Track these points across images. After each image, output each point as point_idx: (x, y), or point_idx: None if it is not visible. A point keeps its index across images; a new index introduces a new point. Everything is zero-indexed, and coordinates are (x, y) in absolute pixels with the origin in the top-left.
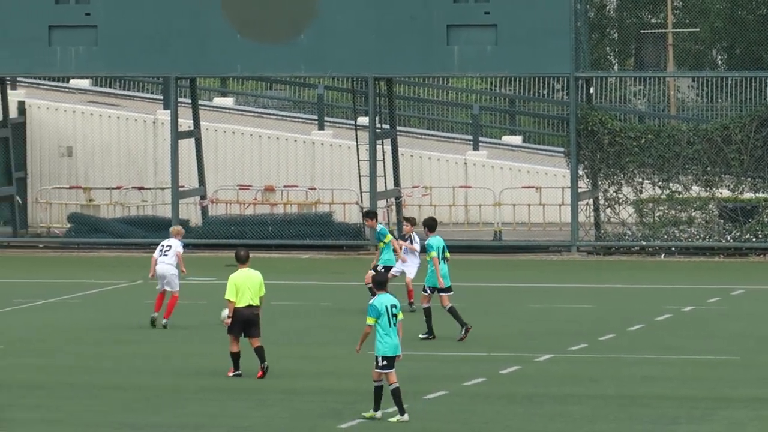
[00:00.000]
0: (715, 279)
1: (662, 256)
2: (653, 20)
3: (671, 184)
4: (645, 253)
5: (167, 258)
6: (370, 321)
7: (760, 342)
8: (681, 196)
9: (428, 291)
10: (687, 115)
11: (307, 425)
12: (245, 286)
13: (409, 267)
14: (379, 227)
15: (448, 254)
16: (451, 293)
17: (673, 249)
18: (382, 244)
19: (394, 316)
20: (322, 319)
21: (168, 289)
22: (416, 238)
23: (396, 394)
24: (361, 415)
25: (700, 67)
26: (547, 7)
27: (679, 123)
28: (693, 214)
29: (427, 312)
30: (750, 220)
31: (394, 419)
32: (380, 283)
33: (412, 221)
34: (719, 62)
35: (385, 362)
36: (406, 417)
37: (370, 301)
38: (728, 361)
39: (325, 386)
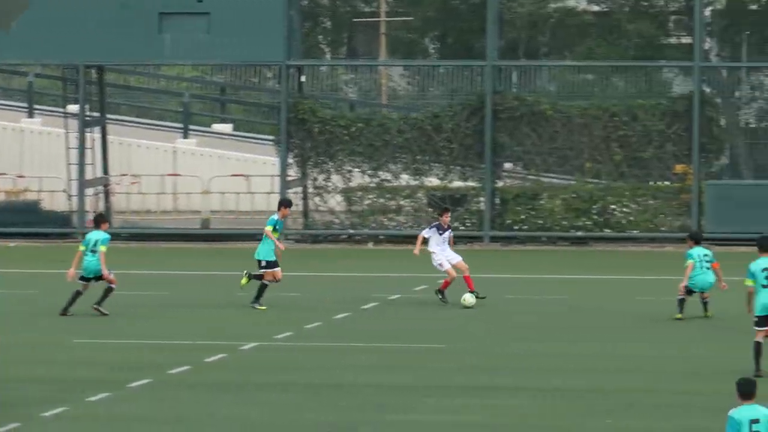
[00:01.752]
0: (423, 267)
1: (370, 244)
2: (366, 9)
3: (380, 173)
4: (353, 241)
5: None
6: None
7: (465, 329)
8: (390, 184)
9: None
10: (398, 104)
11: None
12: None
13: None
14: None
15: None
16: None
17: (381, 237)
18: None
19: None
20: (24, 306)
21: None
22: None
23: None
24: None
25: (412, 56)
26: None
27: (389, 112)
28: (402, 202)
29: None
30: (459, 208)
31: None
32: None
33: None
34: (431, 51)
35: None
36: None
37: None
38: (434, 349)
39: None
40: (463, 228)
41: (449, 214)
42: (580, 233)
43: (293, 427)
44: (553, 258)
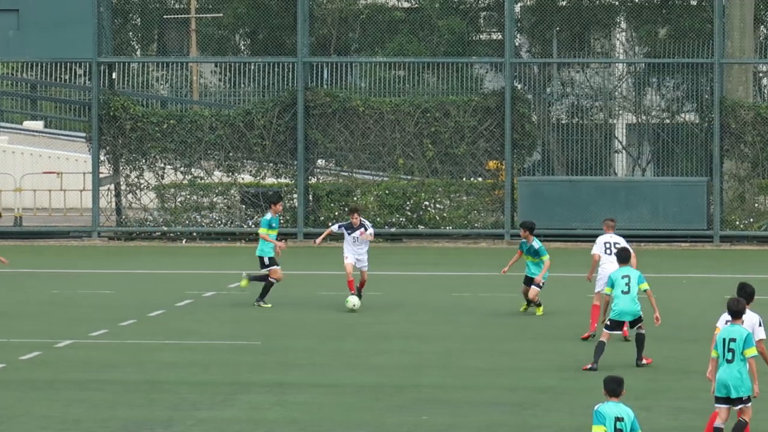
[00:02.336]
0: (236, 264)
1: (184, 241)
2: (177, 5)
3: (193, 170)
4: (166, 238)
5: None
6: None
7: (280, 327)
8: (203, 181)
9: None
10: (210, 101)
11: None
12: None
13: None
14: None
15: None
16: None
17: (194, 234)
18: None
19: None
20: None
21: None
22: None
23: None
24: None
25: (223, 53)
26: None
27: (201, 108)
28: (215, 199)
29: None
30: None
31: None
32: None
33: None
34: (242, 47)
35: None
36: None
37: None
38: (249, 346)
39: None
40: None
41: (357, 215)
42: (393, 229)
43: (108, 424)
44: None
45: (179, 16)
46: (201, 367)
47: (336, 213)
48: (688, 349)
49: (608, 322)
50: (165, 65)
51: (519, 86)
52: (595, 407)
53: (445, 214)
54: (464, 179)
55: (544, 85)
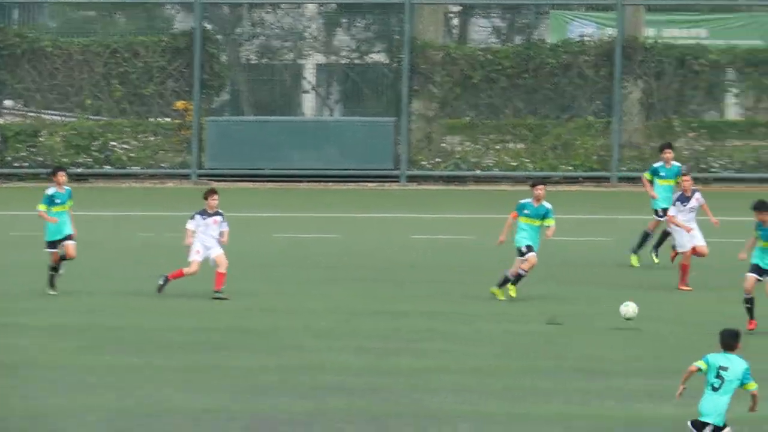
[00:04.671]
0: None
1: None
2: None
3: None
4: None
5: None
6: None
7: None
8: None
9: None
10: None
11: None
12: None
13: None
14: None
15: None
16: None
17: None
18: None
19: None
20: None
21: None
22: None
23: None
24: None
25: None
26: None
27: None
28: None
29: None
30: None
31: None
32: None
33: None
34: None
35: None
36: None
37: None
38: None
39: None
40: None
41: (216, 196)
42: (80, 170)
43: None
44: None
45: None
46: None
47: (23, 153)
48: (379, 289)
49: None
50: None
51: (209, 27)
52: (707, 354)
53: (132, 154)
54: (152, 120)
55: (234, 26)
